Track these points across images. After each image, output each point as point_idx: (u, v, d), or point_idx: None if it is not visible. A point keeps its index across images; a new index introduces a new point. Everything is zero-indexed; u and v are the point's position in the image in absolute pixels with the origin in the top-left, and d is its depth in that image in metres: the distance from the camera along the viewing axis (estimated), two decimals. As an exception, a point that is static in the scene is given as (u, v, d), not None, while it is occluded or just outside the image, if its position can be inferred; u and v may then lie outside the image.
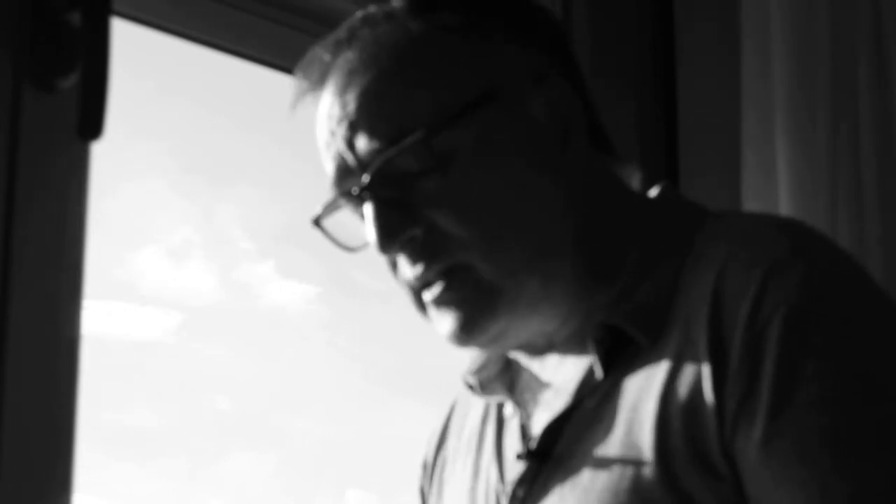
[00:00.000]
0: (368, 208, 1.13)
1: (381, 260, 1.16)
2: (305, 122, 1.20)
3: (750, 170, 1.92)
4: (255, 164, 1.92)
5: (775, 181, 1.89)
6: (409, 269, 1.14)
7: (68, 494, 1.37)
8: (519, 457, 1.14)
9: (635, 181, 1.23)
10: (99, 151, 1.45)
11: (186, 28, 1.71)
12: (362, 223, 1.15)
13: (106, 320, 1.77)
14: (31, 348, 1.36)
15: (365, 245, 1.17)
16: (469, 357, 1.24)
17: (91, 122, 1.37)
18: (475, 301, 1.12)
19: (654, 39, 2.11)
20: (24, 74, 1.40)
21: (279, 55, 1.75)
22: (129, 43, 1.58)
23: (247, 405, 1.92)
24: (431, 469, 1.31)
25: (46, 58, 1.40)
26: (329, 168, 1.17)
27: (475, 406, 1.28)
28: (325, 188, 1.18)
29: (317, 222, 1.19)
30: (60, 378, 1.39)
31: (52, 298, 1.39)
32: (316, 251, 1.23)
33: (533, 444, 1.13)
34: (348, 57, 1.15)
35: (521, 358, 1.21)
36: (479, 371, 1.23)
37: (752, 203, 1.90)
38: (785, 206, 1.86)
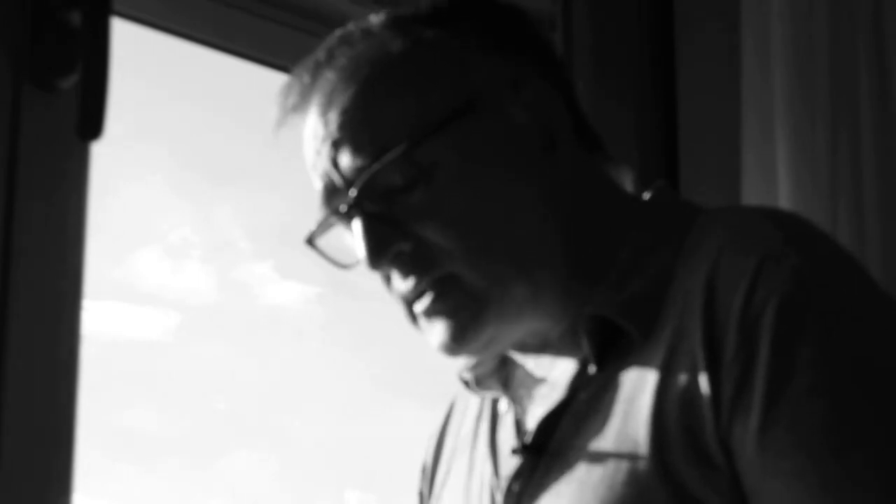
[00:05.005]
0: (356, 225, 1.13)
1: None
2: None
3: (750, 171, 1.92)
4: (254, 165, 1.92)
5: (775, 182, 1.89)
6: (401, 283, 1.14)
7: (68, 495, 1.37)
8: (514, 451, 1.14)
9: (628, 180, 1.23)
10: (99, 151, 1.45)
11: (186, 28, 1.72)
12: (354, 240, 1.16)
13: (105, 320, 1.77)
14: (31, 348, 1.36)
15: (359, 261, 1.17)
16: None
17: (91, 123, 1.37)
18: (464, 310, 1.12)
19: (654, 41, 2.11)
20: (24, 74, 1.40)
21: (279, 55, 1.75)
22: (129, 43, 1.58)
23: (246, 405, 1.92)
24: (431, 473, 1.31)
25: (46, 58, 1.40)
26: (317, 187, 1.17)
27: (472, 404, 1.29)
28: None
29: (310, 242, 1.19)
30: (60, 378, 1.39)
31: (52, 298, 1.39)
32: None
33: (528, 439, 1.13)
34: (328, 77, 1.16)
35: (516, 355, 1.21)
36: (474, 367, 1.24)
37: (752, 204, 1.90)
38: (785, 207, 1.86)
